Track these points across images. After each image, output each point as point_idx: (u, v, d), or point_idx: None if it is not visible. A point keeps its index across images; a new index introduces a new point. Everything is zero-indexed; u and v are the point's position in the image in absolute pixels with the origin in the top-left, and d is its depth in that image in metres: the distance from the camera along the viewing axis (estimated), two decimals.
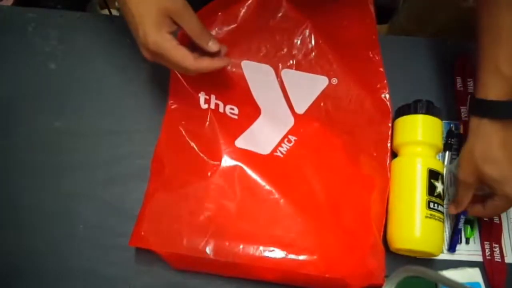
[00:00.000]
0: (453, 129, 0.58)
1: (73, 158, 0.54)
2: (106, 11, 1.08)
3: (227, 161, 0.51)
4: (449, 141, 0.57)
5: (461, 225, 0.53)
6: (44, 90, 0.58)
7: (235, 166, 0.51)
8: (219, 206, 0.49)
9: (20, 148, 0.55)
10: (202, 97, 0.55)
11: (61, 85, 0.58)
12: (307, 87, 0.58)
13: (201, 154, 0.52)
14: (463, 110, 0.59)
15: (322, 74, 0.59)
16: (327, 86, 0.58)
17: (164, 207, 0.49)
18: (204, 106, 0.54)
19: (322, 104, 0.57)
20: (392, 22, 0.96)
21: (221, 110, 0.55)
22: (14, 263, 0.50)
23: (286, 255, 0.47)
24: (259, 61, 0.59)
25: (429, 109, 0.53)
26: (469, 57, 0.61)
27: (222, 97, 0.56)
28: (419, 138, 0.52)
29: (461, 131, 0.58)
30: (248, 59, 0.59)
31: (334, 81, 0.59)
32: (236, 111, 0.56)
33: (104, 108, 0.57)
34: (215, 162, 0.51)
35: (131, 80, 0.58)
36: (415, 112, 0.53)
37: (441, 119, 0.54)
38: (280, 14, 0.60)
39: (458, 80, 0.61)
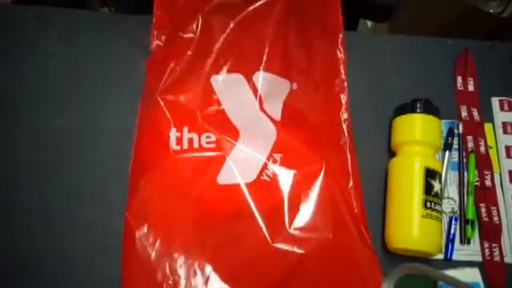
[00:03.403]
0: (453, 128, 0.58)
1: (73, 157, 0.54)
2: (106, 9, 1.08)
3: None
4: (449, 141, 0.56)
5: (453, 230, 0.53)
6: (43, 88, 0.57)
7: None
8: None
9: (19, 147, 0.55)
10: (173, 136, 0.51)
11: (60, 83, 0.58)
12: (276, 90, 0.54)
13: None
14: (463, 109, 0.59)
15: (285, 78, 0.54)
16: (290, 91, 0.54)
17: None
18: (176, 148, 0.50)
19: (291, 108, 0.54)
20: (392, 21, 0.96)
21: (196, 145, 0.50)
22: (12, 262, 0.50)
23: None
24: (229, 72, 0.53)
25: (427, 108, 0.53)
26: (469, 56, 0.61)
27: (195, 127, 0.51)
28: (417, 137, 0.52)
29: (461, 131, 0.58)
30: (216, 73, 0.53)
31: (295, 86, 0.55)
32: (213, 138, 0.51)
33: (104, 106, 0.57)
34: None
35: (131, 78, 0.58)
36: (413, 111, 0.53)
37: (440, 118, 0.54)
38: (240, 16, 0.54)
39: (459, 79, 0.61)
